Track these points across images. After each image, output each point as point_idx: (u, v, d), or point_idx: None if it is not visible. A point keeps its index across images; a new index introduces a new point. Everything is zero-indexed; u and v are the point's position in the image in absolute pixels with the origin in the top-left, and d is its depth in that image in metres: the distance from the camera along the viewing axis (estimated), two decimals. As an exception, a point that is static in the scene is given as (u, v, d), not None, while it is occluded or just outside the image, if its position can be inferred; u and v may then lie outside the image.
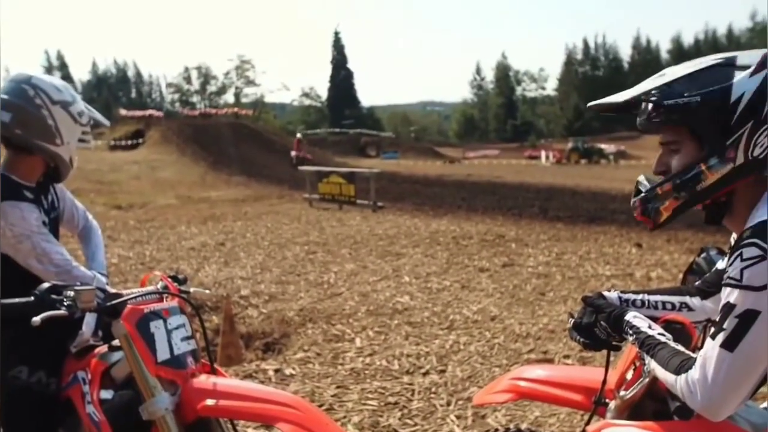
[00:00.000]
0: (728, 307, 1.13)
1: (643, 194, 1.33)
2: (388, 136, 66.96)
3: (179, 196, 17.36)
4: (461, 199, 16.19)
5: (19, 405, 2.06)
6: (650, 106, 1.26)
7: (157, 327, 1.83)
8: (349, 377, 4.02)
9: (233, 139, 32.34)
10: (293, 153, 28.97)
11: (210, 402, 1.71)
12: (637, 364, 1.52)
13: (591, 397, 1.65)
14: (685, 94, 1.20)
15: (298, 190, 16.94)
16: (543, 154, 54.78)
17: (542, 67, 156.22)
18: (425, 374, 4.01)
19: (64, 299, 1.77)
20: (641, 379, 1.45)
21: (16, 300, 1.74)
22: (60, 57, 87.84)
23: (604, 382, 1.58)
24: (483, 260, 7.67)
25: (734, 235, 1.30)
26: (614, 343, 1.46)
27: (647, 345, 1.30)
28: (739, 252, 1.12)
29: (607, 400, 1.61)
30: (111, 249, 8.62)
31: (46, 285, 1.79)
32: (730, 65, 1.22)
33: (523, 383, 1.81)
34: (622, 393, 1.53)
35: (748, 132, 1.17)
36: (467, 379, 3.86)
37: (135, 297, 1.89)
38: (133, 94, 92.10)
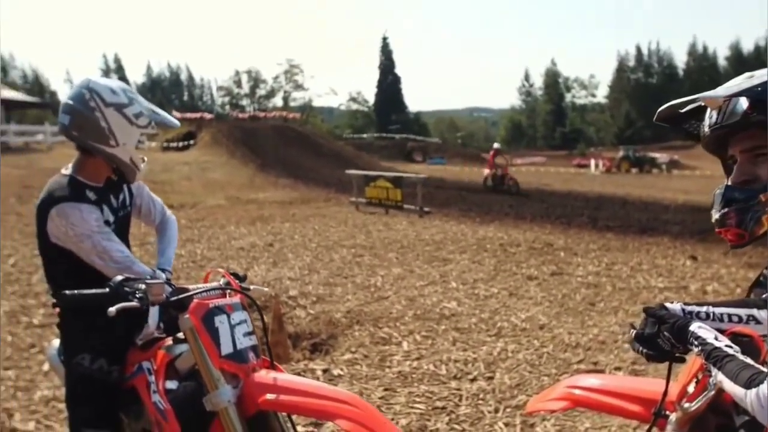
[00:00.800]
0: None
1: (739, 203, 1.27)
2: (434, 141, 66.85)
3: (228, 197, 17.73)
4: (508, 207, 16.04)
5: (81, 390, 2.17)
6: (746, 104, 1.21)
7: (221, 322, 1.90)
8: (397, 380, 4.05)
9: (281, 142, 32.88)
10: (487, 171, 21.92)
11: (271, 396, 1.77)
12: (701, 376, 1.50)
13: (650, 408, 1.62)
14: None
15: (345, 194, 17.08)
16: (592, 162, 53.73)
17: (593, 74, 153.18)
18: (473, 380, 4.01)
19: (136, 291, 1.86)
20: (705, 392, 1.43)
21: (93, 291, 1.84)
22: (117, 60, 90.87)
23: (665, 393, 1.56)
24: (531, 268, 7.59)
25: None
26: (677, 354, 1.44)
27: (714, 357, 1.28)
28: None
29: (667, 413, 1.59)
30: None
31: (119, 278, 1.88)
32: None
33: (578, 391, 1.80)
34: (684, 405, 1.51)
35: None
36: (515, 387, 3.84)
37: (201, 292, 1.96)
38: (185, 97, 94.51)
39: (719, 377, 1.26)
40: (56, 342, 2.53)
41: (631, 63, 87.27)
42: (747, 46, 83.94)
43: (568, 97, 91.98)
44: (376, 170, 21.42)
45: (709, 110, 1.28)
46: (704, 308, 1.49)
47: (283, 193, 18.96)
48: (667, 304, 1.51)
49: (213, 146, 31.21)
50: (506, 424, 3.32)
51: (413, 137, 63.14)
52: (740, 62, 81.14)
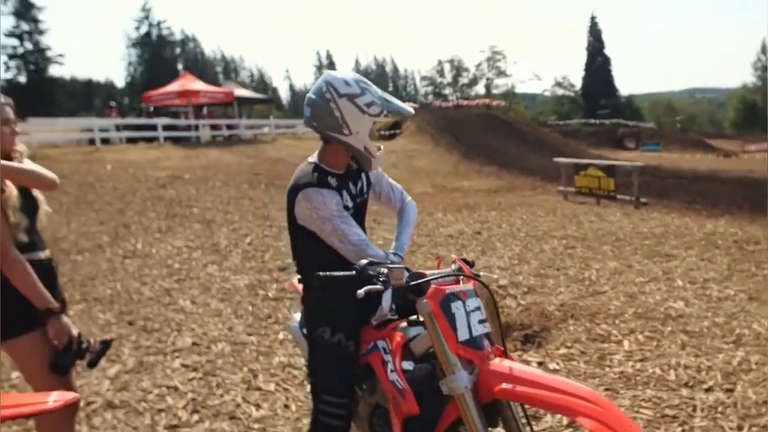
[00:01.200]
0: None
1: None
2: (648, 126, 61.76)
3: (434, 185, 18.14)
4: (741, 198, 14.23)
5: (324, 359, 2.34)
6: None
7: (457, 308, 1.94)
8: (619, 381, 3.82)
9: (485, 130, 32.80)
10: None
11: (507, 386, 1.76)
12: None
13: None
14: None
15: (551, 182, 16.52)
16: None
17: None
18: (708, 390, 3.63)
19: (380, 275, 1.97)
20: None
21: (342, 273, 1.99)
22: (329, 56, 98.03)
23: None
24: (774, 269, 6.66)
25: None
26: None
27: None
28: None
29: None
30: (376, 232, 9.39)
31: (364, 261, 2.00)
32: None
33: None
34: None
35: None
36: (762, 404, 3.40)
37: (438, 277, 2.01)
38: (390, 88, 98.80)
39: None
40: (297, 316, 2.78)
41: None
42: None
43: (819, 71, 78.87)
44: (585, 158, 20.38)
45: None
46: None
47: (488, 181, 18.92)
48: None
49: (418, 135, 32.17)
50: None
51: (624, 122, 59.02)
52: None
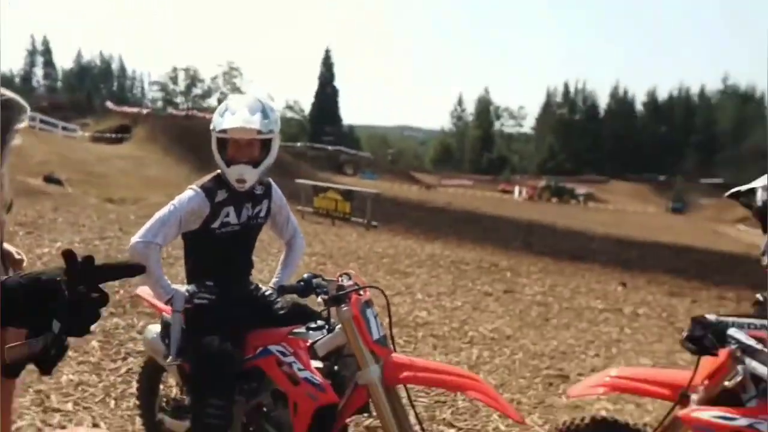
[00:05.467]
0: None
1: None
2: (366, 156, 67.62)
3: (170, 195, 17.50)
4: (448, 226, 16.77)
5: (211, 365, 2.36)
6: None
7: (370, 313, 2.29)
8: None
9: (219, 144, 32.43)
10: None
11: (409, 373, 2.18)
12: (717, 368, 2.04)
13: (676, 392, 2.14)
14: None
15: (290, 201, 17.27)
16: (516, 189, 56.20)
17: (522, 105, 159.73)
18: (458, 380, 4.47)
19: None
20: (733, 375, 1.96)
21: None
22: (45, 42, 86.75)
23: (692, 380, 2.08)
24: (485, 285, 8.19)
25: None
26: (714, 351, 1.97)
27: (750, 351, 1.82)
28: None
29: (690, 394, 2.11)
30: (125, 241, 8.86)
31: (307, 276, 2.26)
32: None
33: (617, 379, 2.30)
34: (706, 387, 2.04)
35: None
36: (499, 387, 4.33)
37: (357, 290, 2.31)
38: (115, 87, 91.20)
39: (753, 364, 1.79)
40: (153, 327, 2.75)
41: (559, 99, 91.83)
42: (662, 95, 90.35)
43: (497, 124, 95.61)
44: (313, 180, 21.73)
45: (759, 191, 1.81)
46: (731, 319, 2.03)
47: (227, 196, 18.87)
48: (708, 316, 2.04)
49: (148, 142, 30.47)
50: (499, 416, 3.81)
51: (346, 150, 63.60)
52: (656, 108, 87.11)
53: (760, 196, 1.82)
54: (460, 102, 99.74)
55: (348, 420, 2.49)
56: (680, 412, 2.06)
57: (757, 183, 1.85)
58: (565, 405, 4.15)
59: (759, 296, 2.26)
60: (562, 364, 5.03)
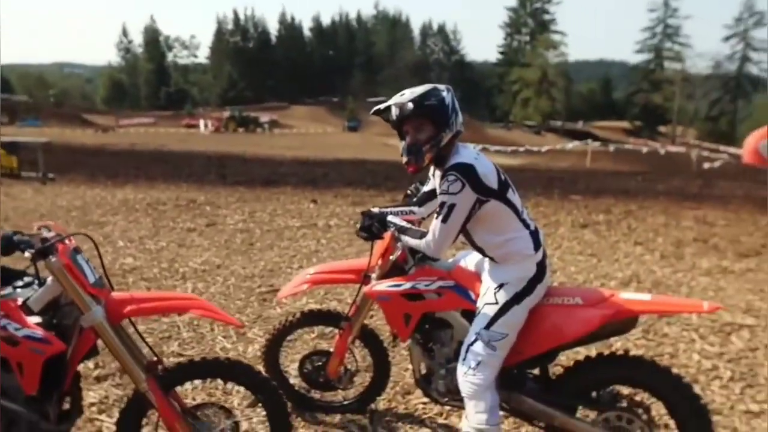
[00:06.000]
0: (443, 204, 2.30)
1: (413, 153, 2.35)
2: (23, 100, 58.33)
3: None
4: (135, 168, 15.90)
5: None
6: (410, 105, 2.30)
7: (81, 259, 2.29)
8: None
9: None
10: None
11: (132, 307, 2.29)
12: (385, 249, 2.67)
13: (360, 275, 2.74)
14: (427, 102, 2.30)
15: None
16: (201, 122, 54.96)
17: (193, 34, 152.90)
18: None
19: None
20: (394, 253, 2.59)
21: None
22: None
23: (369, 262, 2.68)
24: (187, 222, 8.26)
25: (436, 172, 2.49)
26: (380, 236, 2.57)
27: (403, 230, 2.45)
28: (446, 177, 2.29)
29: (370, 274, 2.71)
30: None
31: (5, 233, 2.13)
32: (436, 89, 2.37)
33: (315, 275, 2.81)
34: (380, 265, 2.66)
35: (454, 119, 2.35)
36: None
37: (63, 238, 2.27)
38: None
39: (405, 239, 2.43)
40: None
41: (230, 26, 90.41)
42: (326, 20, 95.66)
43: (170, 56, 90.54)
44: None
45: (393, 108, 2.35)
46: (389, 209, 2.65)
47: None
48: (372, 209, 2.62)
49: None
50: (224, 336, 4.16)
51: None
52: (321, 33, 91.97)
53: (393, 112, 2.37)
54: (125, 33, 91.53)
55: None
56: (364, 289, 2.66)
57: (391, 101, 2.38)
58: (279, 314, 4.68)
59: (408, 190, 2.97)
60: (272, 281, 5.56)
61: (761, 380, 3.74)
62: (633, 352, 3.78)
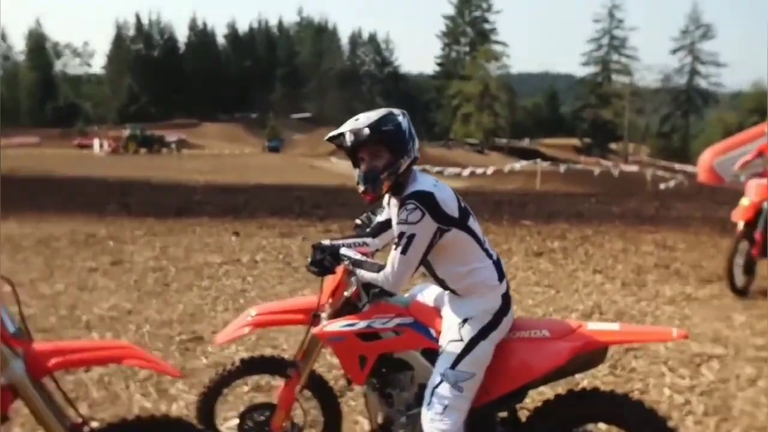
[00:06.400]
0: (401, 234, 2.38)
1: (370, 181, 2.45)
2: None
3: None
4: (20, 198, 15.28)
5: None
6: (366, 131, 2.40)
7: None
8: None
9: None
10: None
11: (57, 359, 2.22)
12: (337, 285, 2.72)
13: (309, 314, 2.77)
14: (384, 127, 2.41)
15: None
16: (96, 142, 53.39)
17: (87, 40, 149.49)
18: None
19: None
20: (349, 289, 2.64)
21: None
22: None
23: (319, 300, 2.72)
24: (87, 260, 8.03)
25: (393, 200, 2.58)
26: (333, 270, 2.62)
27: (358, 264, 2.51)
28: (404, 206, 2.38)
29: (320, 314, 2.75)
30: None
31: None
32: (392, 113, 2.48)
33: (258, 317, 2.82)
34: (331, 303, 2.71)
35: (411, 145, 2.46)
36: (133, 364, 4.53)
37: None
38: None
39: (361, 273, 2.49)
40: None
41: (131, 32, 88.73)
42: (242, 27, 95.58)
43: (58, 65, 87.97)
44: None
45: (347, 134, 2.44)
46: (340, 241, 2.72)
47: None
48: (323, 241, 2.68)
49: None
50: (143, 395, 4.07)
51: None
52: (236, 40, 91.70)
53: (348, 138, 2.47)
54: (3, 37, 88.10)
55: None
56: (314, 330, 2.70)
57: (344, 128, 2.48)
58: (206, 365, 4.61)
59: (357, 220, 3.05)
60: (194, 327, 5.48)
61: (735, 413, 3.98)
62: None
